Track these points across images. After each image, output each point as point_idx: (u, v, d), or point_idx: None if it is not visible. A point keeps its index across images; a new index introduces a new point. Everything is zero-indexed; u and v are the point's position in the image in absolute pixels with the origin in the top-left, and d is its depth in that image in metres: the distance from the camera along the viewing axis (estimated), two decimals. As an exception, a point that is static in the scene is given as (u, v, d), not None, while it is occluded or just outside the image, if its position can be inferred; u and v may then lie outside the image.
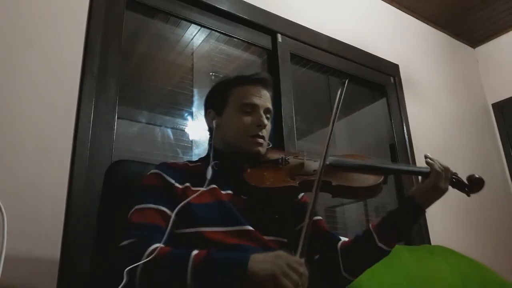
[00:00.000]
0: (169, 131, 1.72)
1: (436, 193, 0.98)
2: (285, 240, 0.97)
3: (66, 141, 1.29)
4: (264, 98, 1.05)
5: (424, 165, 1.03)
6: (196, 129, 1.78)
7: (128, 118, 1.62)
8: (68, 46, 1.39)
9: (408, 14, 2.86)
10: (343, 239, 1.06)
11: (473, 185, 1.03)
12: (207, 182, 0.95)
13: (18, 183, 1.18)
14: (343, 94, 0.98)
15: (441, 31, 3.07)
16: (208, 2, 1.79)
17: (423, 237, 2.20)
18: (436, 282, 1.52)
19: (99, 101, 1.39)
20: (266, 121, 1.03)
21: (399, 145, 2.38)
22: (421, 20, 2.94)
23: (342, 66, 2.28)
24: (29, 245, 1.14)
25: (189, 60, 1.87)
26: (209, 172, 0.97)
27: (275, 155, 1.04)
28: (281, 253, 0.76)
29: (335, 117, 0.95)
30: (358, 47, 2.39)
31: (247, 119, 1.02)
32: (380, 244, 0.96)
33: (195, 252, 0.78)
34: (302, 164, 1.02)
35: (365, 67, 2.39)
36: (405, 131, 2.43)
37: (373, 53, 2.46)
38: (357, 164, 1.02)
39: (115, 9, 1.54)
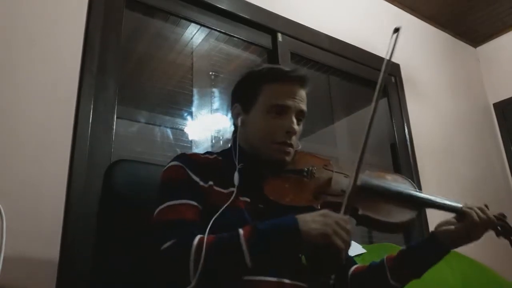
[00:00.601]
0: (169, 131, 1.72)
1: (467, 240, 0.89)
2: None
3: (65, 141, 1.29)
4: (298, 99, 0.94)
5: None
6: (196, 129, 1.77)
7: (128, 118, 1.62)
8: (67, 46, 1.38)
9: (409, 13, 2.85)
10: (358, 262, 1.02)
11: None
12: (235, 190, 0.87)
13: (17, 183, 1.18)
14: (395, 47, 0.88)
15: (442, 30, 3.06)
16: (208, 1, 1.78)
17: (424, 237, 2.19)
18: (436, 282, 1.51)
19: (98, 101, 1.39)
20: (296, 127, 0.93)
21: (400, 144, 2.37)
22: (422, 20, 2.92)
23: (342, 66, 2.28)
24: (28, 245, 1.14)
25: (188, 60, 1.87)
26: (236, 178, 0.89)
27: (301, 163, 0.94)
28: (327, 212, 0.75)
29: (378, 96, 0.88)
30: (359, 46, 2.38)
31: (276, 122, 0.92)
32: (392, 282, 0.90)
33: (241, 230, 0.75)
34: (329, 181, 0.91)
35: (365, 67, 2.38)
36: (406, 130, 2.42)
37: (374, 53, 2.45)
38: (391, 191, 0.90)
39: (115, 8, 1.53)
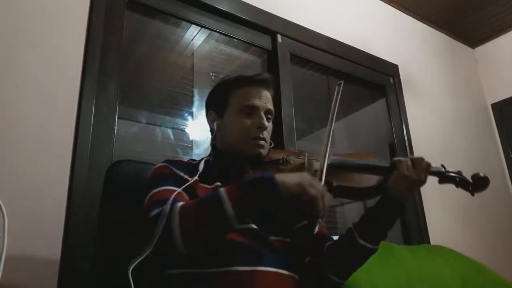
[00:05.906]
0: (170, 131, 1.73)
1: (406, 183, 0.93)
2: (288, 240, 0.97)
3: (66, 141, 1.29)
4: (264, 99, 1.05)
5: None
6: (196, 129, 1.78)
7: (129, 118, 1.62)
8: (68, 47, 1.39)
9: (408, 14, 2.86)
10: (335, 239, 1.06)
11: (477, 184, 1.00)
12: (198, 174, 0.96)
13: (19, 183, 1.18)
14: (339, 96, 1.02)
15: (440, 31, 3.08)
16: (208, 2, 1.79)
17: (423, 237, 2.20)
18: (435, 282, 1.52)
19: (100, 101, 1.39)
20: (266, 123, 1.03)
21: (398, 145, 2.38)
22: (420, 21, 2.94)
23: (341, 67, 2.29)
24: (30, 245, 1.14)
25: (189, 61, 1.88)
26: (201, 166, 0.98)
27: (276, 156, 1.04)
28: (303, 173, 0.84)
29: (333, 117, 0.97)
30: (358, 47, 2.39)
31: (248, 121, 1.02)
32: (361, 241, 0.95)
33: (221, 188, 0.81)
34: (303, 165, 1.01)
35: (364, 68, 2.40)
36: (404, 131, 2.43)
37: (372, 54, 2.47)
38: (359, 163, 1.01)
39: (116, 10, 1.54)
